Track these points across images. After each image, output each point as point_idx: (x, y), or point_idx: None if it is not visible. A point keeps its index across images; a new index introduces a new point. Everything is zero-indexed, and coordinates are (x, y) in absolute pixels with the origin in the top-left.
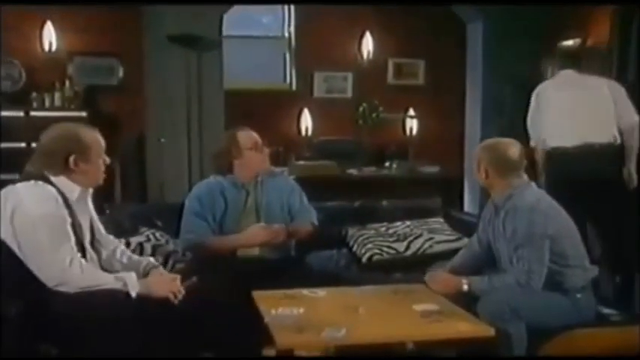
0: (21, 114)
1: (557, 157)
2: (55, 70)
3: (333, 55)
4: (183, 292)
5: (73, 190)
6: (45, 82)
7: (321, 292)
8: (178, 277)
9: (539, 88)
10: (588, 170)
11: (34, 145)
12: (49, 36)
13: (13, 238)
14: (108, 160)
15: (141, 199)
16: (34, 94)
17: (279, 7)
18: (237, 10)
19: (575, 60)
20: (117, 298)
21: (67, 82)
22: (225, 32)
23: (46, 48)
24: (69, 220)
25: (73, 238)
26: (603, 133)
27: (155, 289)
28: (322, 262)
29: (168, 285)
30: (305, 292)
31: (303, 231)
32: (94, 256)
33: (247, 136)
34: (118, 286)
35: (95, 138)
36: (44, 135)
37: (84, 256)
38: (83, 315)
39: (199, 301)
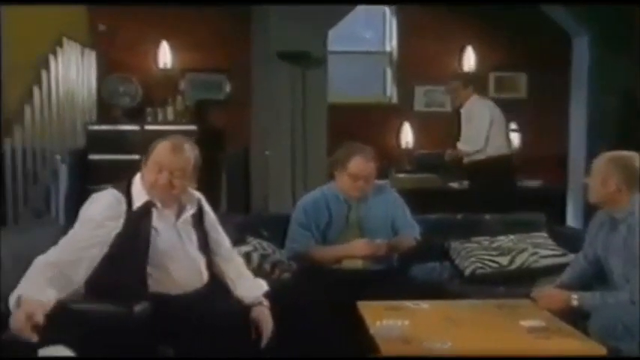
0: (137, 128)
1: None
2: (168, 86)
3: (433, 69)
4: None
5: (140, 197)
6: (159, 97)
7: (425, 305)
8: None
9: None
10: None
11: None
12: (164, 54)
13: None
14: (162, 180)
15: (245, 209)
16: (148, 109)
17: (380, 22)
18: (341, 26)
19: None
20: (229, 304)
21: (179, 98)
22: (329, 48)
23: (161, 65)
24: (116, 230)
25: (103, 248)
26: None
27: None
28: (425, 275)
29: None
30: (409, 304)
31: (405, 246)
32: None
33: (357, 166)
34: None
35: (160, 150)
36: None
37: (138, 265)
38: (196, 318)
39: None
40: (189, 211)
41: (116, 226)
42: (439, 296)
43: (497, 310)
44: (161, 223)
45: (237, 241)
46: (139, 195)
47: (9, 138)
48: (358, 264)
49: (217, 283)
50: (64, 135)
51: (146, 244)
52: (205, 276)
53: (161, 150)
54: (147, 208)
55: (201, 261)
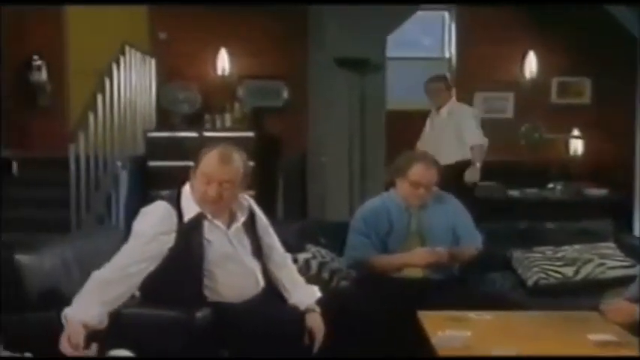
0: (195, 135)
1: None
2: (226, 93)
3: (493, 75)
4: None
5: (191, 209)
6: (217, 104)
7: (488, 316)
8: None
9: None
10: None
11: None
12: (223, 61)
13: None
14: (210, 192)
15: (302, 216)
16: (207, 116)
17: (439, 28)
18: (399, 32)
19: None
20: (285, 311)
21: (237, 104)
22: (387, 54)
23: (220, 72)
24: (169, 244)
25: (154, 262)
26: None
27: None
28: (487, 285)
29: None
30: (472, 314)
31: (467, 255)
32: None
33: (418, 174)
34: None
35: (208, 161)
36: None
37: (193, 277)
38: (253, 325)
39: (364, 319)
40: (241, 220)
41: (168, 240)
42: (501, 307)
43: (563, 323)
44: (213, 233)
45: (295, 248)
46: (189, 207)
47: (73, 145)
48: (418, 273)
49: (273, 290)
50: (124, 142)
51: (200, 256)
52: (261, 282)
53: (209, 161)
54: (198, 220)
55: (256, 268)
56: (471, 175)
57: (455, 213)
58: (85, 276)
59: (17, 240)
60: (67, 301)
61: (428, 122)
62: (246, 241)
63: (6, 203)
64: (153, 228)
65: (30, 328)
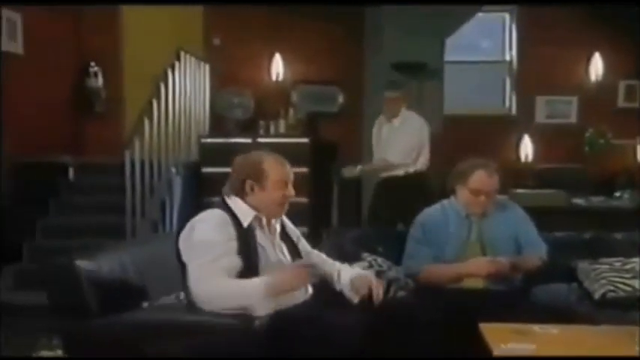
0: (249, 141)
1: None
2: (280, 98)
3: (556, 79)
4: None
5: (247, 215)
6: (271, 110)
7: (553, 330)
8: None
9: None
10: None
11: None
12: (277, 66)
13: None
14: (292, 192)
15: (357, 223)
16: (261, 122)
17: (499, 31)
18: (457, 35)
19: None
20: (337, 313)
21: (291, 110)
22: (445, 58)
23: (274, 78)
24: (234, 246)
25: (235, 263)
26: None
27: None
28: (551, 296)
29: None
30: (536, 328)
31: (530, 265)
32: None
33: (479, 181)
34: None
35: (277, 167)
36: (235, 159)
37: None
38: (309, 329)
39: (423, 330)
40: (277, 226)
41: (235, 245)
42: (566, 320)
43: (634, 338)
44: (263, 239)
45: (351, 257)
46: (245, 212)
47: (128, 151)
48: (479, 283)
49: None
50: (178, 147)
51: (256, 262)
52: (310, 288)
53: (279, 167)
54: (253, 225)
55: None
56: (350, 171)
57: (518, 222)
58: (142, 283)
59: (74, 245)
60: (125, 307)
61: (375, 131)
62: (284, 246)
63: (62, 209)
64: (221, 235)
65: (89, 333)
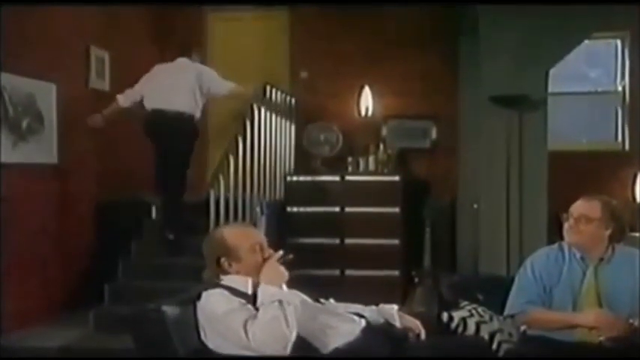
0: (337, 178)
1: None
2: (369, 133)
3: None
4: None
5: (244, 283)
6: (360, 146)
7: None
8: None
9: None
10: None
11: (346, 209)
12: (366, 100)
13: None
14: (270, 252)
15: (451, 268)
16: (349, 159)
17: (611, 60)
18: (562, 64)
19: None
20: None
21: (381, 146)
22: (549, 89)
23: (363, 113)
24: (252, 309)
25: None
26: None
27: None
28: None
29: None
30: None
31: None
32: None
33: (576, 206)
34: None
35: (241, 237)
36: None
37: None
38: None
39: None
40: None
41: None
42: None
43: None
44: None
45: (449, 305)
46: (241, 281)
47: (213, 189)
48: (593, 337)
49: None
50: (263, 185)
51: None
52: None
53: (238, 238)
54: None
55: None
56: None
57: None
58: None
59: (158, 287)
60: (210, 352)
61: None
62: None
63: (145, 248)
64: (234, 302)
65: None
